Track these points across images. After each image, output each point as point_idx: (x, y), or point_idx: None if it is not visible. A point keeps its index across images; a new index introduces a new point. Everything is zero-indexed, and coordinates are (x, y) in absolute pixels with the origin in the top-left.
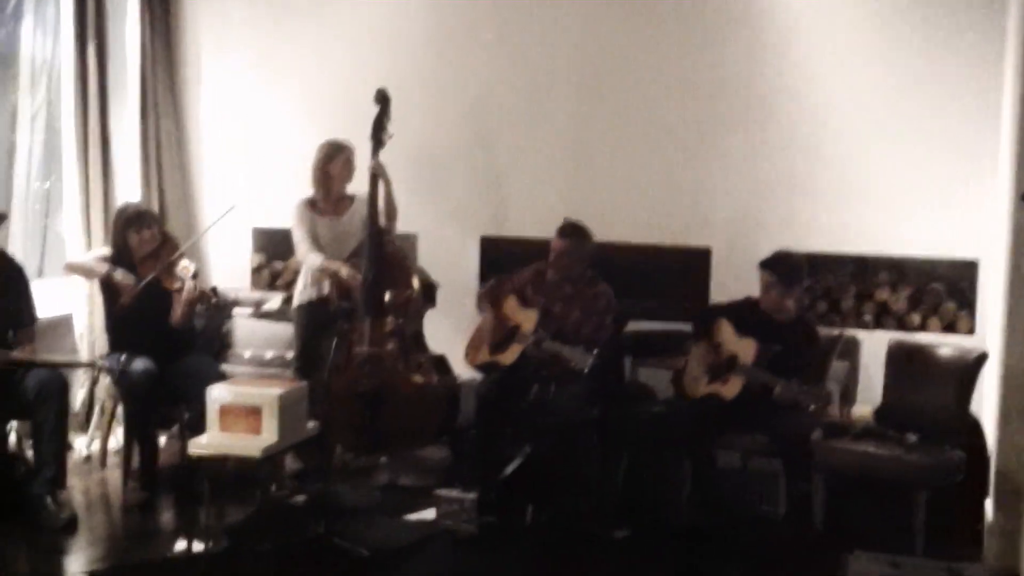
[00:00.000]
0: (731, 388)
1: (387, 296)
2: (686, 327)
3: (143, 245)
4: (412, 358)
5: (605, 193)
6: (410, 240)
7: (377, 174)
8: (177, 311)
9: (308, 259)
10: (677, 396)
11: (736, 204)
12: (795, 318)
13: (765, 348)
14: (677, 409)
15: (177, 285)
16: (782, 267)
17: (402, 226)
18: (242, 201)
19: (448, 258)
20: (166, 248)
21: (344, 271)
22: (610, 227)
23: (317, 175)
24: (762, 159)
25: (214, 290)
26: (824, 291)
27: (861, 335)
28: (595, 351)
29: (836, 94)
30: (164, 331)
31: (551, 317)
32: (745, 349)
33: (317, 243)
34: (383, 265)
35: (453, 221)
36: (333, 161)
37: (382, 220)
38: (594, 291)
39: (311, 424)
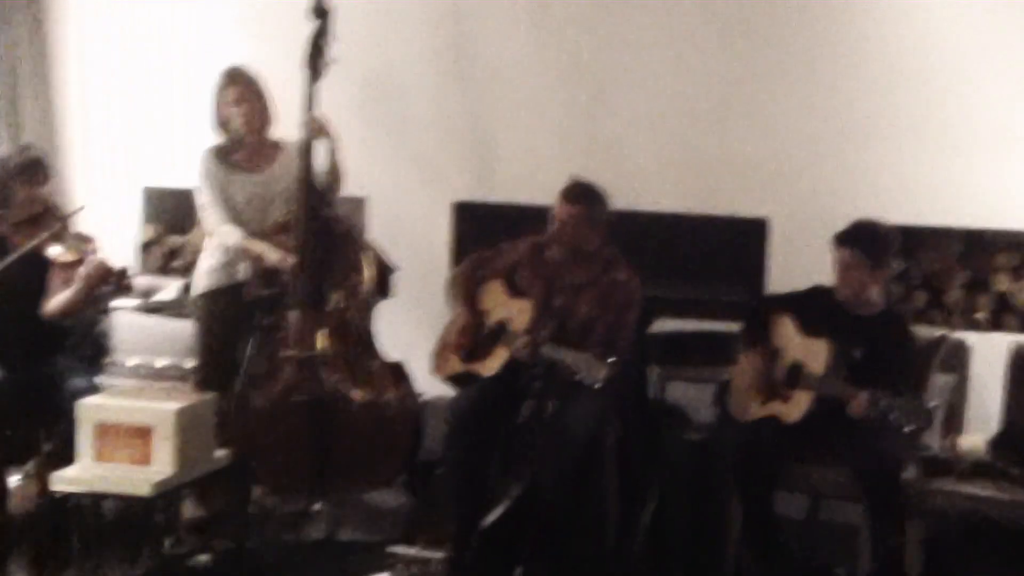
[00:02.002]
0: (795, 407)
1: (326, 282)
2: (734, 326)
3: (31, 205)
4: (359, 366)
5: (627, 148)
6: (358, 206)
7: (314, 124)
8: (60, 297)
9: (219, 232)
10: (721, 419)
11: (801, 161)
12: (882, 312)
13: (841, 352)
14: (721, 437)
15: (67, 258)
16: (865, 243)
17: (348, 187)
18: (126, 150)
19: (409, 231)
20: (48, 213)
21: (271, 257)
22: (632, 192)
23: (216, 115)
24: (835, 104)
25: (124, 272)
26: (922, 278)
27: (972, 338)
28: (611, 359)
29: (937, 8)
30: (28, 324)
31: (551, 311)
32: (814, 354)
33: (230, 209)
34: (321, 240)
35: (416, 180)
36: (228, 94)
37: (321, 181)
38: (611, 277)
39: (220, 453)
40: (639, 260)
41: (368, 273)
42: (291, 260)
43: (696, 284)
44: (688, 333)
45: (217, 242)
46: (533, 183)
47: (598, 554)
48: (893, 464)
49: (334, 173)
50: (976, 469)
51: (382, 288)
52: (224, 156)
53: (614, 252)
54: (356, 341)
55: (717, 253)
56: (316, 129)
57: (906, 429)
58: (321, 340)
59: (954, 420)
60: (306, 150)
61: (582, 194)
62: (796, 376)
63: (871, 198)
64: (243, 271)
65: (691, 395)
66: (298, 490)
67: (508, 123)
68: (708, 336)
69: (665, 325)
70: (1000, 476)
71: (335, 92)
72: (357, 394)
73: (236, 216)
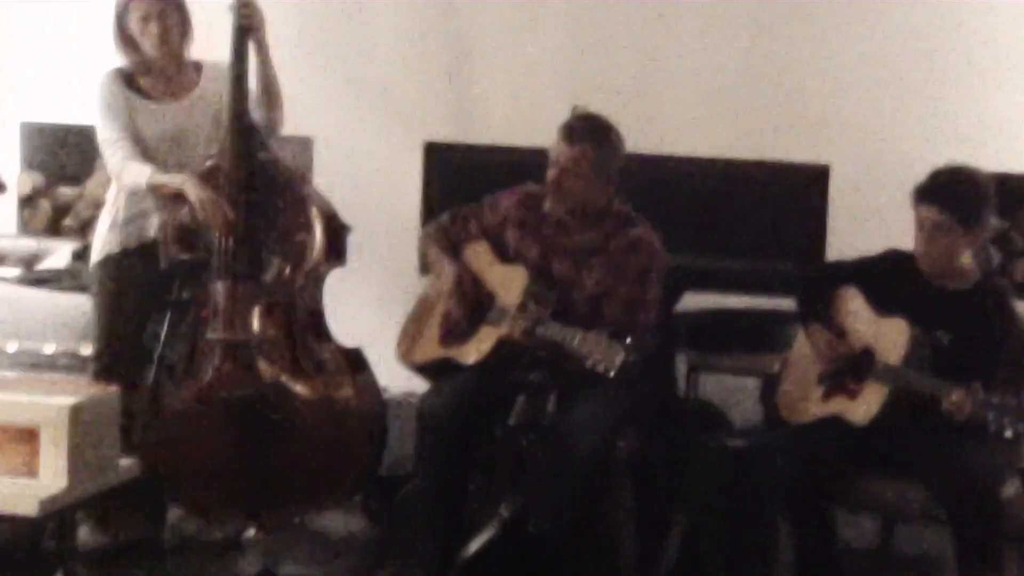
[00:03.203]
0: (864, 405)
1: (263, 244)
2: (786, 303)
3: None
4: (305, 354)
5: (649, 80)
6: (304, 148)
7: (246, 26)
8: None
9: (125, 171)
10: (769, 420)
11: (871, 93)
12: (976, 285)
13: (924, 336)
14: (769, 443)
15: None
16: (952, 198)
17: (291, 124)
18: None
19: (369, 180)
20: None
21: (192, 192)
22: (655, 133)
23: (119, 32)
24: (912, 22)
25: None
26: None
27: None
28: (628, 340)
29: None
30: None
31: (552, 281)
32: (889, 338)
33: (139, 145)
34: (258, 190)
35: (378, 116)
36: (136, 5)
37: (255, 111)
38: (626, 238)
39: (127, 463)
40: (663, 218)
41: (317, 233)
42: (219, 207)
43: (738, 249)
44: (727, 311)
45: (124, 185)
46: (526, 120)
47: None
48: (989, 480)
49: (269, 91)
50: None
51: (334, 253)
52: (130, 81)
53: (628, 205)
54: (302, 321)
55: (765, 210)
56: (247, 18)
57: (1007, 434)
58: (257, 320)
59: None
60: (237, 68)
61: (588, 132)
62: (866, 366)
63: (960, 143)
64: (156, 227)
65: (730, 391)
66: (226, 512)
67: (494, 45)
68: (753, 315)
69: (698, 301)
70: None
71: (275, 10)
72: (302, 389)
73: (147, 156)
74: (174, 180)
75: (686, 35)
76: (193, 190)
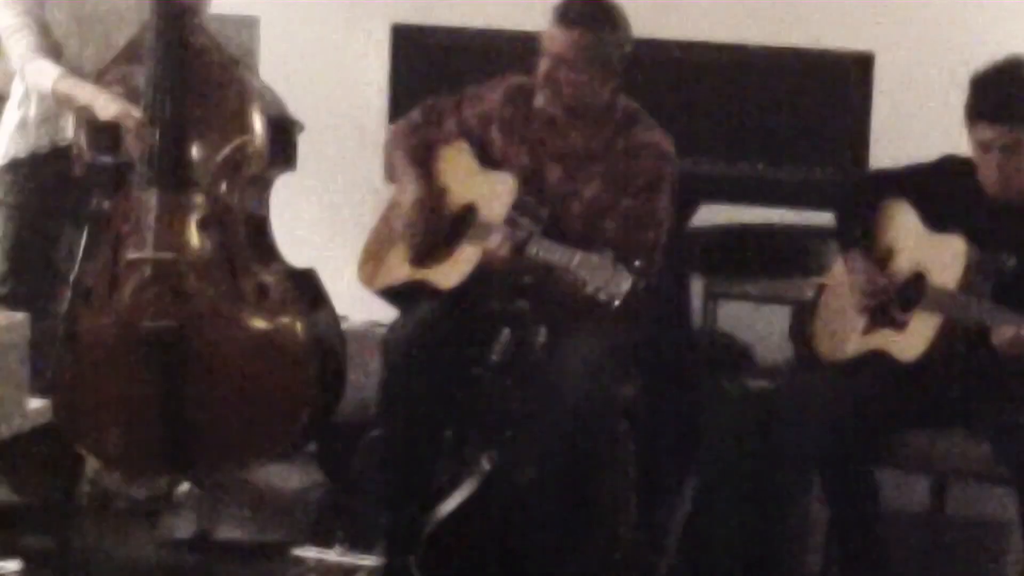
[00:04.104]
0: (914, 339)
1: (196, 147)
2: (823, 217)
3: None
4: (246, 276)
5: None
6: (248, 29)
7: None
8: None
9: (28, 71)
10: (801, 358)
11: None
12: None
13: (985, 258)
14: (801, 385)
15: None
16: (1016, 93)
17: (231, 3)
18: None
19: (326, 68)
20: None
21: (104, 100)
22: (665, 15)
23: None
24: None
25: None
26: None
27: None
28: (635, 263)
29: None
30: None
31: (543, 191)
32: (944, 259)
33: (46, 36)
34: (188, 83)
35: None
36: None
37: None
38: (631, 141)
39: (36, 405)
40: (676, 116)
41: (260, 132)
42: (138, 113)
43: (764, 153)
44: (751, 228)
45: (28, 85)
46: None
47: (604, 569)
48: None
49: None
50: None
51: (282, 156)
52: None
53: (636, 105)
54: (242, 238)
55: (797, 106)
56: None
57: None
58: (188, 236)
59: None
60: None
61: (587, 14)
62: (917, 291)
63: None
64: (69, 130)
65: (755, 321)
66: (154, 465)
67: None
68: (782, 233)
69: (716, 215)
70: None
71: None
72: (241, 319)
73: (56, 47)
74: (84, 93)
75: None
76: (108, 105)
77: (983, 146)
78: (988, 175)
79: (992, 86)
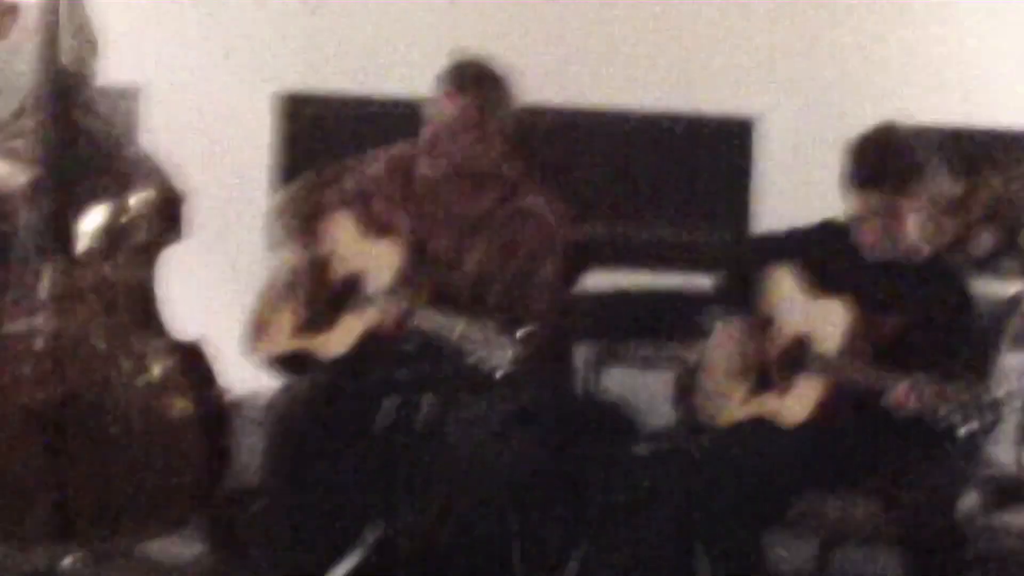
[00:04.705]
0: (798, 402)
1: (82, 216)
2: (706, 281)
3: None
4: (132, 348)
5: (545, 17)
6: (130, 99)
7: None
8: None
9: None
10: (686, 423)
11: (801, 39)
12: (928, 261)
13: (867, 320)
14: (685, 450)
15: None
16: (890, 158)
17: (115, 70)
18: None
19: (210, 137)
20: None
21: None
22: (553, 81)
23: None
24: None
25: None
26: (988, 208)
27: None
28: (521, 331)
29: None
30: None
31: (428, 259)
32: (827, 323)
33: None
34: (73, 154)
35: (221, 61)
36: None
37: (67, 57)
38: (517, 207)
39: None
40: (562, 182)
41: (145, 203)
42: (25, 177)
43: (649, 218)
44: (636, 293)
45: None
46: (398, 66)
47: None
48: (945, 490)
49: (84, 33)
50: None
51: (168, 226)
52: None
53: (522, 171)
54: (127, 309)
55: (682, 171)
56: None
57: (962, 431)
58: (73, 307)
59: None
60: (51, 10)
61: (473, 79)
62: (800, 356)
63: (904, 90)
64: None
65: (640, 387)
66: (38, 537)
67: None
68: (666, 297)
69: (602, 280)
70: None
71: None
72: (123, 392)
73: None
74: None
75: None
76: None
77: (860, 211)
78: (865, 239)
79: (865, 153)
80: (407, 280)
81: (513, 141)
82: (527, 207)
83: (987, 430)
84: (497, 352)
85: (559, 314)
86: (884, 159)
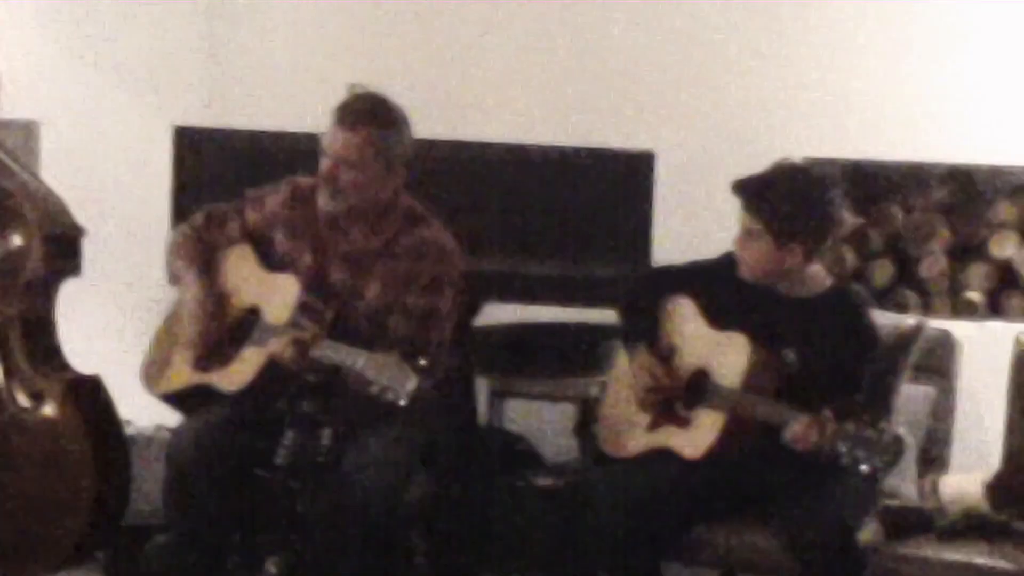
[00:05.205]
0: (699, 435)
1: None
2: (606, 315)
3: None
4: (28, 383)
5: (443, 53)
6: (28, 133)
7: None
8: None
9: None
10: (587, 455)
11: (699, 73)
12: (827, 293)
13: (768, 353)
14: (587, 482)
15: None
16: (762, 203)
17: (11, 105)
18: None
19: (108, 171)
20: None
21: None
22: (452, 116)
23: None
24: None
25: None
26: (887, 240)
27: (962, 329)
28: (420, 361)
29: None
30: None
31: (327, 291)
32: (727, 356)
33: None
34: None
35: (118, 95)
36: None
37: None
38: (416, 239)
39: None
40: (461, 215)
41: (39, 237)
42: None
43: (549, 251)
44: (536, 326)
45: None
46: (295, 101)
47: None
48: (848, 524)
49: None
50: (967, 524)
51: (64, 261)
52: None
53: (418, 204)
54: (21, 344)
55: (581, 204)
56: None
57: (863, 468)
58: None
59: (934, 453)
60: None
61: (368, 114)
62: (700, 389)
63: (802, 124)
64: None
65: (541, 419)
66: None
67: (256, 13)
68: (566, 330)
69: (502, 313)
70: (999, 534)
71: None
72: (19, 430)
73: None
74: None
75: (490, 5)
76: None
77: (741, 225)
78: (751, 260)
79: (750, 178)
80: (306, 312)
81: (410, 175)
82: (426, 238)
83: (888, 467)
84: (399, 382)
85: (460, 345)
86: (772, 202)
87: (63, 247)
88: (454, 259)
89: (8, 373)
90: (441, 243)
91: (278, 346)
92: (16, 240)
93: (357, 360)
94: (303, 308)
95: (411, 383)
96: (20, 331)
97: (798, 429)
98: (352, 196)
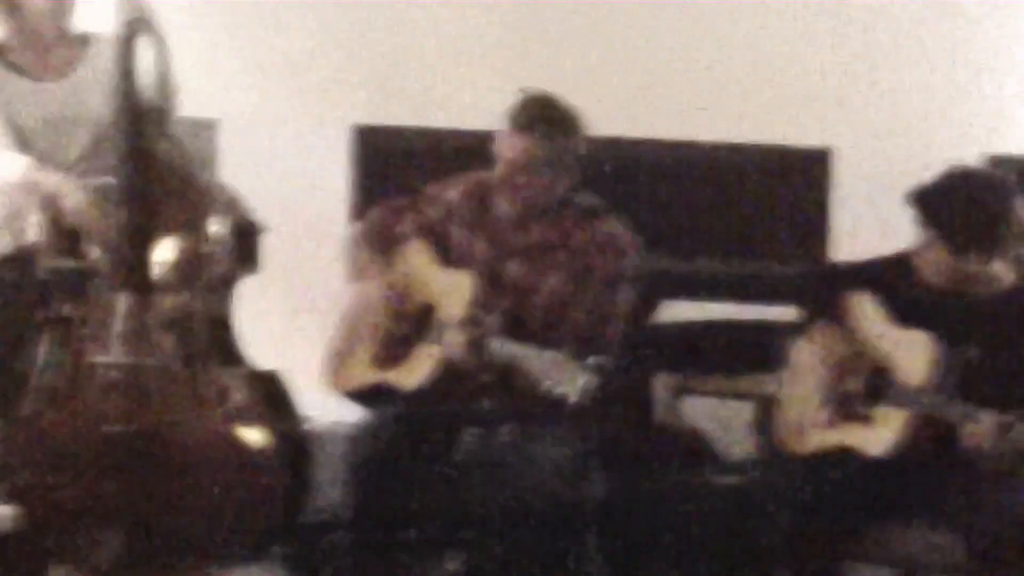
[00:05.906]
0: (880, 434)
1: (160, 250)
2: (782, 313)
3: None
4: (209, 380)
5: (617, 52)
6: (207, 132)
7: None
8: None
9: None
10: (765, 453)
11: (878, 70)
12: (1011, 291)
13: (951, 351)
14: (766, 480)
15: None
16: (951, 208)
17: (190, 106)
18: None
19: (287, 170)
20: None
21: (71, 195)
22: (623, 115)
23: None
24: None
25: None
26: None
27: None
28: (594, 360)
29: None
30: None
31: (503, 289)
32: (909, 354)
33: (14, 133)
34: (151, 187)
35: (297, 95)
36: None
37: (152, 94)
38: (594, 234)
39: (1, 511)
40: (635, 214)
41: (221, 235)
42: (100, 210)
43: (725, 250)
44: (714, 324)
45: None
46: (469, 99)
47: None
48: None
49: (162, 70)
50: None
51: (244, 258)
52: (3, 54)
53: (595, 200)
54: (205, 341)
55: (757, 202)
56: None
57: None
58: (151, 340)
59: None
60: (127, 43)
61: (541, 117)
62: (881, 387)
63: (982, 122)
64: (34, 230)
65: (719, 417)
66: (118, 568)
67: (433, 14)
68: (744, 328)
69: (678, 312)
70: None
71: None
72: (203, 423)
73: (23, 144)
74: (48, 182)
75: (661, 3)
76: (72, 196)
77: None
78: (931, 262)
79: (942, 204)
80: (482, 308)
81: (585, 174)
82: (602, 235)
83: None
84: (569, 379)
85: (634, 344)
86: (959, 214)
87: (242, 244)
88: (630, 255)
89: (194, 370)
90: (618, 238)
91: (453, 343)
92: (198, 237)
93: (528, 357)
94: (478, 305)
95: (581, 380)
96: (202, 327)
97: (981, 429)
98: (526, 198)
